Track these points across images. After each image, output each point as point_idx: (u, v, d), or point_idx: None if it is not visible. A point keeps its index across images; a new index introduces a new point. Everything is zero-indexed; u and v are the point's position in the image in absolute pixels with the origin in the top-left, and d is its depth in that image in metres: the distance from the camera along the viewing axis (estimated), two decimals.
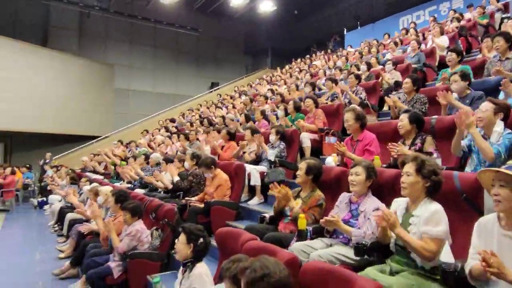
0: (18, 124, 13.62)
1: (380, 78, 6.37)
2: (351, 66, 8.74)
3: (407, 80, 4.47)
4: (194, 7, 18.34)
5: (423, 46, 7.28)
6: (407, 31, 10.22)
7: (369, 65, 7.03)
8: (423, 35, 8.97)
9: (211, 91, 18.54)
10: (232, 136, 5.76)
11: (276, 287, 1.51)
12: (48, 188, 10.67)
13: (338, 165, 3.74)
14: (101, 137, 15.63)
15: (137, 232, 3.77)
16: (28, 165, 12.45)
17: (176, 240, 2.61)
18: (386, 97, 5.03)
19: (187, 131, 8.17)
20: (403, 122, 3.23)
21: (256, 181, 4.56)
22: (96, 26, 17.34)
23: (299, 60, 14.70)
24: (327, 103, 6.15)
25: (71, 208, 6.87)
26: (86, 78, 16.03)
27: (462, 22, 8.15)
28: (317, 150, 4.98)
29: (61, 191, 8.30)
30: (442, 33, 7.01)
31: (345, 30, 16.85)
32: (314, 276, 1.91)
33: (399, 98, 4.76)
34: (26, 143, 15.28)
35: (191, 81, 19.87)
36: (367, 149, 3.57)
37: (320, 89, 8.13)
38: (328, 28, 18.18)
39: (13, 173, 10.17)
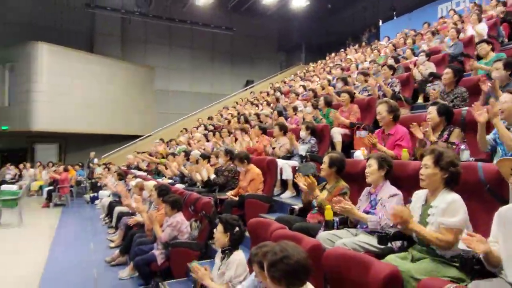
0: (71, 126, 14.70)
1: (413, 70, 6.25)
2: (387, 58, 8.61)
3: (448, 70, 4.19)
4: (228, 7, 18.67)
5: (462, 35, 7.02)
6: (445, 20, 9.85)
7: (396, 60, 6.92)
8: (463, 22, 8.60)
9: (246, 89, 18.82)
10: (264, 131, 5.97)
11: (295, 268, 1.66)
12: (98, 184, 11.46)
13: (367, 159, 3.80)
14: (144, 136, 16.43)
15: (177, 223, 4.06)
16: (80, 163, 13.38)
17: (214, 230, 2.83)
18: (431, 90, 4.87)
19: (222, 129, 8.46)
20: (432, 114, 3.23)
21: (288, 175, 4.71)
22: (137, 31, 18.17)
23: (333, 54, 14.57)
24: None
25: (119, 202, 7.39)
26: (129, 81, 16.92)
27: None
28: (349, 144, 5.03)
29: (112, 186, 8.91)
30: (480, 20, 6.74)
31: (381, 21, 16.44)
32: (336, 260, 2.05)
33: (434, 90, 4.66)
34: (78, 143, 16.47)
35: (226, 79, 20.29)
36: (398, 144, 3.53)
37: (354, 83, 8.09)
38: (363, 20, 17.82)
39: (66, 170, 10.98)
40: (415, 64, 6.43)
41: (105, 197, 9.23)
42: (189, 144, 9.89)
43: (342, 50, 14.42)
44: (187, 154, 7.14)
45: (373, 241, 2.44)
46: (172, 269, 3.94)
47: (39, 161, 14.67)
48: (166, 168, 7.81)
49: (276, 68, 21.28)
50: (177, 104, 18.78)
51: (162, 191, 4.49)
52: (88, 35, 17.00)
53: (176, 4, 18.17)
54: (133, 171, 9.83)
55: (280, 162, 4.78)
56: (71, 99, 14.59)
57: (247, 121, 8.51)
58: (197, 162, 6.49)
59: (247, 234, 3.32)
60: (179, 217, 4.12)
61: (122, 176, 8.30)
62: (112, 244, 5.92)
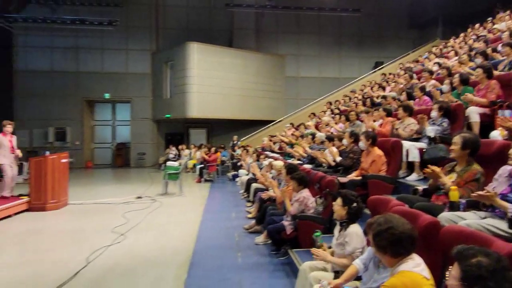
0: (215, 113, 16.62)
1: None
2: None
3: None
4: None
5: None
6: None
7: None
8: None
9: (375, 71, 17.86)
10: (388, 113, 5.74)
11: (400, 238, 1.73)
12: (238, 164, 12.74)
13: (506, 139, 3.37)
14: (276, 121, 17.37)
15: (304, 198, 4.37)
16: (223, 146, 15.08)
17: (333, 203, 3.02)
18: None
19: (349, 112, 8.38)
20: None
21: (414, 157, 4.50)
22: (269, 23, 19.03)
23: (477, 25, 12.55)
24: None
25: (255, 179, 8.18)
26: (261, 70, 18.03)
27: None
28: (488, 125, 4.46)
29: (246, 167, 9.88)
30: None
31: None
32: (454, 237, 1.99)
33: None
34: (221, 128, 18.52)
35: (354, 63, 19.58)
36: None
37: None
38: None
39: (215, 151, 12.56)
40: None
41: (243, 175, 10.28)
42: (317, 128, 10.12)
43: (490, 19, 12.29)
44: (314, 137, 7.39)
45: (503, 225, 2.24)
46: (299, 239, 4.28)
47: (193, 143, 17.12)
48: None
49: (408, 46, 19.44)
50: (306, 90, 19.13)
51: (290, 169, 4.86)
52: (228, 32, 18.62)
53: None
54: (266, 152, 10.64)
55: (406, 144, 4.58)
56: (215, 89, 16.47)
57: (373, 104, 8.23)
58: (322, 143, 6.70)
59: (368, 212, 3.41)
60: (305, 193, 4.42)
61: (259, 157, 9.10)
62: (250, 215, 6.67)
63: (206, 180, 12.02)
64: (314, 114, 13.10)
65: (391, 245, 1.76)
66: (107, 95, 17.61)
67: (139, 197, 8.76)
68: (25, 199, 7.32)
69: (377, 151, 4.56)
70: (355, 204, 2.85)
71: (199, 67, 16.18)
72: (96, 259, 4.46)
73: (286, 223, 4.41)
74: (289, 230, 4.33)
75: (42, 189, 7.33)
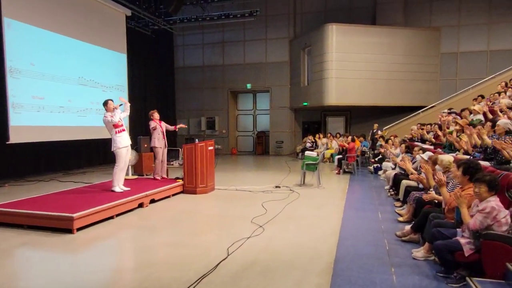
0: (354, 100, 15.37)
1: None
2: None
3: None
4: None
5: None
6: None
7: None
8: None
9: None
10: None
11: None
12: (380, 156, 11.41)
13: None
14: (428, 107, 15.00)
15: (493, 209, 3.16)
16: (363, 135, 13.81)
17: None
18: None
19: None
20: None
21: None
22: None
23: None
24: None
25: (405, 175, 6.93)
26: (410, 47, 15.66)
27: None
28: None
29: (395, 158, 8.58)
30: None
31: None
32: None
33: None
34: (360, 115, 17.14)
35: None
36: None
37: None
38: None
39: (353, 140, 11.52)
40: None
41: (389, 168, 9.03)
42: (491, 113, 8.03)
43: None
44: (493, 125, 5.71)
45: None
46: (483, 265, 3.13)
47: (329, 132, 16.34)
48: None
49: None
50: (467, 68, 15.83)
51: (470, 168, 3.64)
52: (370, 8, 16.75)
53: None
54: (418, 143, 9.08)
55: None
56: (356, 74, 15.14)
57: None
58: (507, 133, 5.07)
59: None
60: (495, 202, 3.19)
61: (409, 148, 7.77)
62: (401, 218, 5.59)
63: (344, 172, 11.12)
64: (482, 96, 10.61)
65: None
66: (249, 85, 18.35)
67: (277, 187, 8.58)
68: (180, 182, 7.94)
69: None
70: None
71: (338, 50, 15.12)
72: (236, 251, 4.29)
73: (463, 240, 3.29)
74: (468, 252, 3.20)
75: (193, 174, 7.82)
